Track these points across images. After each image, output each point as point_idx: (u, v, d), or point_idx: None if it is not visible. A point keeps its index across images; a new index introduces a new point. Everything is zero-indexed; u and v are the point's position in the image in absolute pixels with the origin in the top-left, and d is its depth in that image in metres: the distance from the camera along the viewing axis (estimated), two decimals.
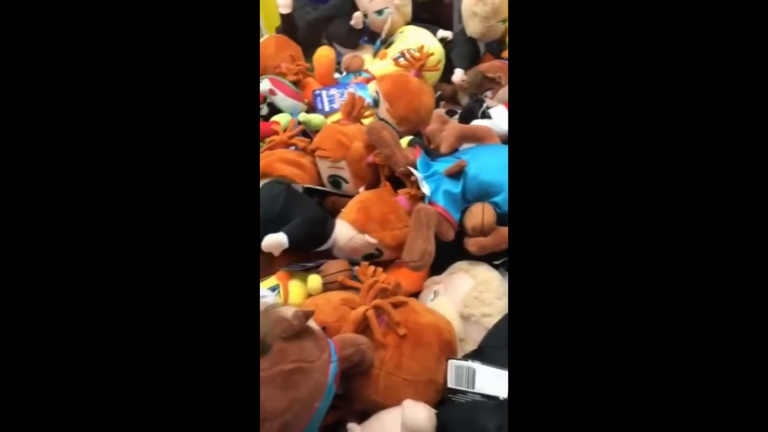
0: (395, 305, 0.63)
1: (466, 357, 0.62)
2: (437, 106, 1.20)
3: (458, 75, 1.16)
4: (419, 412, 0.40)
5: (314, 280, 0.78)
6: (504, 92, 1.09)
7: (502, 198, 0.79)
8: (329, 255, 0.84)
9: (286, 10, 1.25)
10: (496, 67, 1.14)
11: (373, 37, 1.30)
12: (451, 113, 1.17)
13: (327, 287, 0.78)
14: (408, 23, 1.28)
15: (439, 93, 1.24)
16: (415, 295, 0.81)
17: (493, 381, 0.57)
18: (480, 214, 0.78)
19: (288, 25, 1.28)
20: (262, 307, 0.51)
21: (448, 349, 0.62)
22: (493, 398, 0.54)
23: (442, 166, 0.82)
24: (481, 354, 0.62)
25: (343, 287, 0.76)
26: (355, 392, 0.60)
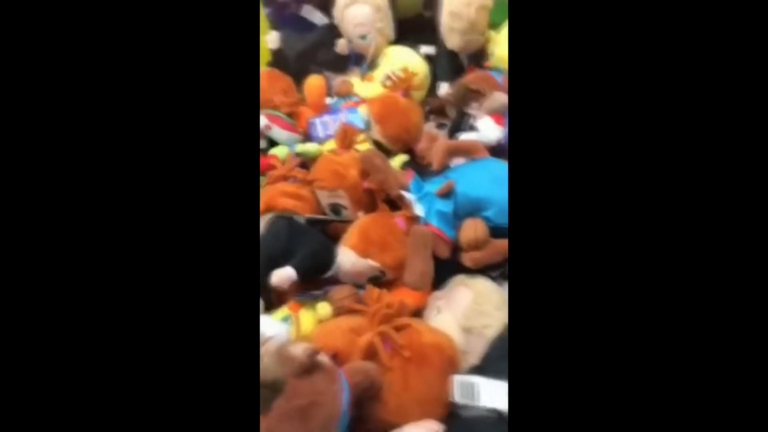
0: (399, 329, 0.67)
1: (471, 371, 0.66)
2: (427, 120, 1.24)
3: (443, 89, 1.20)
4: None
5: (324, 308, 0.82)
6: (490, 103, 1.13)
7: (493, 212, 0.83)
8: (336, 280, 0.89)
9: (274, 46, 1.30)
10: (479, 78, 1.17)
11: (360, 60, 1.34)
12: (441, 126, 1.21)
13: (336, 312, 0.83)
14: (391, 43, 1.32)
15: (428, 108, 1.28)
16: (420, 310, 0.85)
17: (495, 393, 0.61)
18: (472, 229, 0.82)
19: (278, 59, 1.33)
20: (272, 347, 0.56)
21: (450, 365, 0.67)
22: (495, 412, 0.58)
23: (433, 186, 0.87)
24: (483, 367, 0.66)
25: (351, 311, 0.81)
26: (369, 415, 0.65)
